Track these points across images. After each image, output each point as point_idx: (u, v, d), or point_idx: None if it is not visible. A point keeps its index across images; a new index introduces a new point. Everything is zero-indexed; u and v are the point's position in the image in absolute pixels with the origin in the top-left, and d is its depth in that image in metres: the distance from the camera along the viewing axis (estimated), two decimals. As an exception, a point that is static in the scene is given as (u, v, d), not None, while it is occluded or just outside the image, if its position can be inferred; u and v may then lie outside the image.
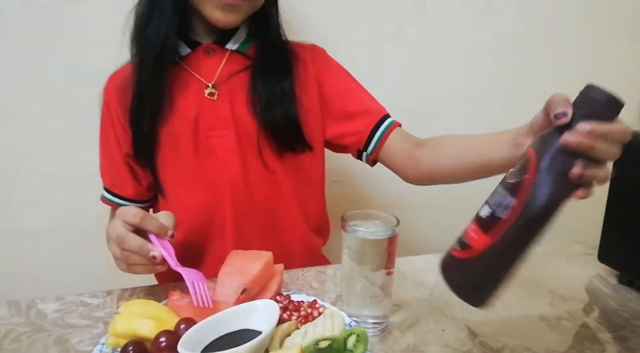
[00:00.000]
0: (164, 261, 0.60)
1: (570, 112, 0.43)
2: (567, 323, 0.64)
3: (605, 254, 0.76)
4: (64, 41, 0.99)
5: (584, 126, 0.42)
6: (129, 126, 0.77)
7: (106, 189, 0.84)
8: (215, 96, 0.78)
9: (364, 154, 0.83)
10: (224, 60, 0.80)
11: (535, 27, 1.22)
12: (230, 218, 0.79)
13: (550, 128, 0.46)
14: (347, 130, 0.83)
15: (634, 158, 0.69)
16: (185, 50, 0.79)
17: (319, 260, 0.90)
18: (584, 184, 0.43)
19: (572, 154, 0.43)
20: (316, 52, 0.87)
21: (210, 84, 0.78)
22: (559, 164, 0.43)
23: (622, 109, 0.44)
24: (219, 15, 0.73)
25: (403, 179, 0.81)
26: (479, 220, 0.47)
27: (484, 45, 1.20)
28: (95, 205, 0.87)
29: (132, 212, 0.60)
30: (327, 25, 1.08)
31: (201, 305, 0.58)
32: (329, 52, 0.89)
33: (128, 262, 0.60)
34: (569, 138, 0.42)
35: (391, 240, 0.59)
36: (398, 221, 0.61)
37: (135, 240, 0.59)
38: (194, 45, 0.79)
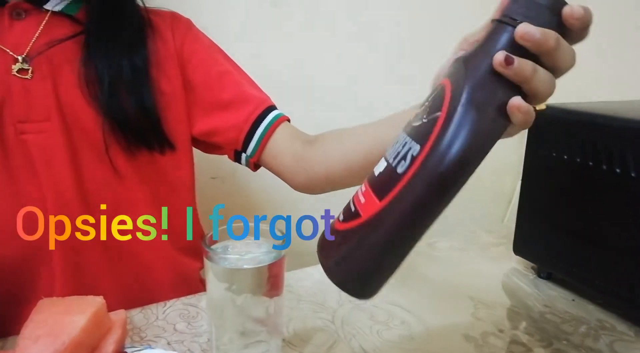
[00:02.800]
0: None
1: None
2: (496, 339, 0.52)
3: (521, 246, 0.67)
4: None
5: (527, 26, 0.29)
6: None
7: None
8: (29, 74, 0.55)
9: (244, 156, 0.66)
10: (42, 25, 0.57)
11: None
12: (58, 247, 0.57)
13: (467, 52, 0.33)
14: (220, 124, 0.64)
15: (548, 136, 0.60)
16: None
17: (196, 288, 0.68)
18: (523, 114, 0.30)
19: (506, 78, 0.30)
20: (179, 22, 0.66)
21: (20, 58, 0.55)
22: (489, 91, 0.30)
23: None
24: None
25: (292, 186, 0.65)
26: (371, 180, 0.34)
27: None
28: None
29: None
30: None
31: None
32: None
33: None
34: (525, 30, 0.29)
35: (275, 265, 0.43)
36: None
37: None
38: None
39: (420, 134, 0.31)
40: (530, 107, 0.30)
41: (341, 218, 0.35)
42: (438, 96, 0.32)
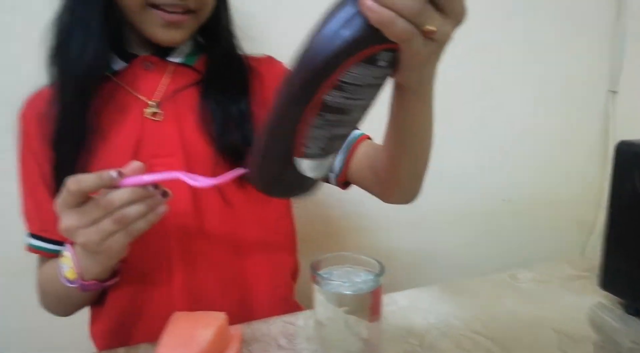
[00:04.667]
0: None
1: None
2: (583, 374, 0.54)
3: (608, 280, 0.67)
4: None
5: None
6: (52, 159, 0.63)
7: (33, 236, 0.67)
8: (159, 117, 0.65)
9: (332, 175, 0.72)
10: (168, 75, 0.67)
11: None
12: (179, 264, 0.65)
13: None
14: None
15: (635, 169, 0.61)
16: (119, 64, 0.66)
17: (290, 307, 0.75)
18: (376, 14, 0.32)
19: None
20: (273, 64, 0.75)
21: (152, 103, 0.65)
22: None
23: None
24: (162, 34, 0.62)
25: (380, 199, 0.68)
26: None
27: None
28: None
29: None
30: (276, 35, 0.96)
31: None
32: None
33: (124, 220, 0.50)
34: None
35: (376, 291, 0.48)
36: (382, 268, 0.49)
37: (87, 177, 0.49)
38: (129, 58, 0.66)
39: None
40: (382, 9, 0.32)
41: None
42: None
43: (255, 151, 0.43)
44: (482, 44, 1.11)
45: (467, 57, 1.06)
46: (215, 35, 0.69)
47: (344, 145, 0.68)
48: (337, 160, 0.69)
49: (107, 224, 0.49)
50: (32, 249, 0.67)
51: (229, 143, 0.66)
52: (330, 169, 0.71)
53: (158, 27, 0.61)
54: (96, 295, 0.67)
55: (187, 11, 0.62)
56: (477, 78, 1.15)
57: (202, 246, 0.66)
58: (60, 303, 0.67)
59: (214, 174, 0.65)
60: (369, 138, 0.71)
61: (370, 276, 0.49)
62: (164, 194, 0.53)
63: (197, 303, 0.64)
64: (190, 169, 0.64)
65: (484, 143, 1.19)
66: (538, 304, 0.69)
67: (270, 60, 0.76)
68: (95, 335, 0.70)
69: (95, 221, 0.49)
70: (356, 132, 0.70)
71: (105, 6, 0.61)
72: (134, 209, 0.50)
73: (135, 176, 0.50)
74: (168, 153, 0.65)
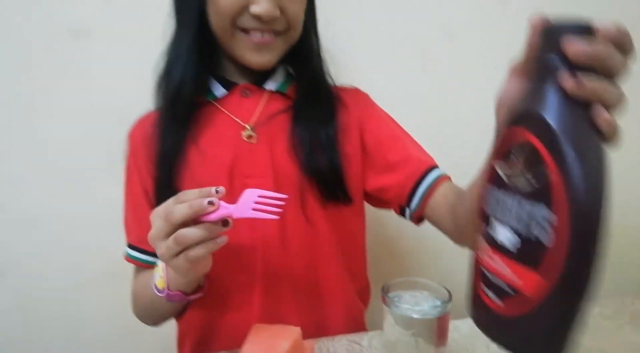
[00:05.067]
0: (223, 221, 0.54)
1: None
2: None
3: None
4: (79, 82, 0.95)
5: (574, 43, 0.32)
6: (155, 177, 0.70)
7: (131, 246, 0.74)
8: (254, 139, 0.71)
9: (407, 210, 0.74)
10: (263, 101, 0.74)
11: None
12: (260, 277, 0.70)
13: (527, 96, 0.35)
14: (388, 182, 0.74)
15: None
16: (219, 91, 0.73)
17: (358, 327, 0.78)
18: (612, 126, 0.32)
19: (579, 101, 0.31)
20: (359, 96, 0.80)
21: (248, 127, 0.72)
22: (578, 126, 0.31)
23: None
24: (251, 57, 0.67)
25: (451, 239, 0.70)
26: (507, 252, 0.34)
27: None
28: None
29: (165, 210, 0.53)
30: (355, 62, 1.02)
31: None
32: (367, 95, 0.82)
33: (183, 241, 0.52)
34: (576, 49, 0.32)
35: (442, 320, 0.51)
36: (450, 295, 0.52)
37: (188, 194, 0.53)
38: (229, 86, 0.73)
39: (539, 196, 0.32)
40: (613, 118, 0.32)
41: (495, 298, 0.36)
42: (528, 150, 0.33)
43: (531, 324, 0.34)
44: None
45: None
46: (304, 60, 0.74)
47: (425, 183, 0.70)
48: (416, 197, 0.71)
49: (170, 241, 0.52)
50: (129, 258, 0.74)
51: (316, 166, 0.70)
52: (407, 205, 0.73)
53: (248, 50, 0.66)
54: (181, 308, 0.72)
55: (275, 33, 0.66)
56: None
57: (283, 264, 0.71)
58: (148, 311, 0.73)
59: (300, 195, 0.70)
60: (449, 179, 0.72)
61: (438, 302, 0.52)
62: (225, 223, 0.54)
63: (273, 318, 0.69)
64: (278, 189, 0.68)
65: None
66: (606, 341, 0.68)
67: (357, 92, 0.81)
68: (180, 349, 0.77)
69: (166, 235, 0.53)
70: (437, 171, 0.71)
71: (200, 37, 0.67)
72: (191, 232, 0.52)
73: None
74: (260, 173, 0.70)
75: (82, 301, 1.03)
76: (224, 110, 0.73)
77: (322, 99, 0.74)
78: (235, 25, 0.65)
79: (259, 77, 0.73)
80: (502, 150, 0.36)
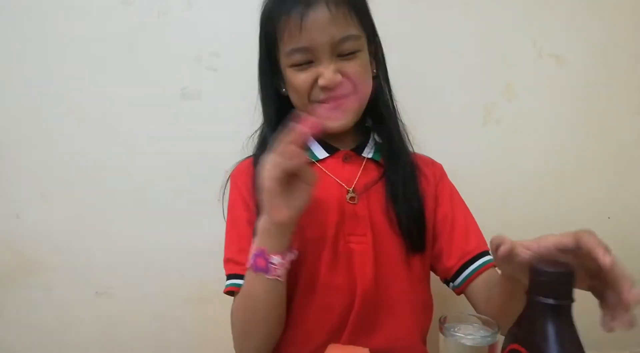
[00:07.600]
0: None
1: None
2: None
3: None
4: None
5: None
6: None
7: (234, 276, 0.78)
8: (355, 201, 0.81)
9: (451, 284, 0.84)
10: (361, 167, 0.84)
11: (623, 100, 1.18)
12: (355, 316, 0.78)
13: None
14: (444, 254, 0.84)
15: None
16: (322, 154, 0.84)
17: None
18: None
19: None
20: (436, 167, 0.91)
21: (350, 189, 0.82)
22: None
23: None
24: (328, 122, 0.74)
25: None
26: None
27: (575, 126, 1.17)
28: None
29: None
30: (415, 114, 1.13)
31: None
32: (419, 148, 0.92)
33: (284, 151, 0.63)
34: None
35: (492, 348, 0.58)
36: (498, 327, 0.60)
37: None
38: (332, 150, 0.84)
39: None
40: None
41: None
42: None
43: None
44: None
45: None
46: (385, 130, 0.86)
47: (472, 267, 0.80)
48: (460, 277, 0.81)
49: (274, 155, 0.63)
50: (233, 287, 0.77)
51: (407, 229, 0.81)
52: (452, 280, 0.83)
53: (325, 118, 0.73)
54: (278, 299, 0.74)
55: (345, 95, 0.75)
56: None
57: (381, 308, 0.79)
58: (247, 313, 0.74)
59: (395, 252, 0.81)
60: (493, 266, 0.80)
61: (489, 333, 0.59)
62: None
63: (351, 340, 0.78)
64: (376, 247, 0.80)
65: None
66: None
67: (433, 163, 0.92)
68: None
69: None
70: (485, 258, 0.81)
71: (285, 109, 0.81)
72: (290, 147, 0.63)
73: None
74: (361, 232, 0.80)
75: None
76: (328, 173, 0.83)
77: (406, 169, 0.84)
78: (310, 99, 0.78)
79: (358, 144, 0.85)
80: None
